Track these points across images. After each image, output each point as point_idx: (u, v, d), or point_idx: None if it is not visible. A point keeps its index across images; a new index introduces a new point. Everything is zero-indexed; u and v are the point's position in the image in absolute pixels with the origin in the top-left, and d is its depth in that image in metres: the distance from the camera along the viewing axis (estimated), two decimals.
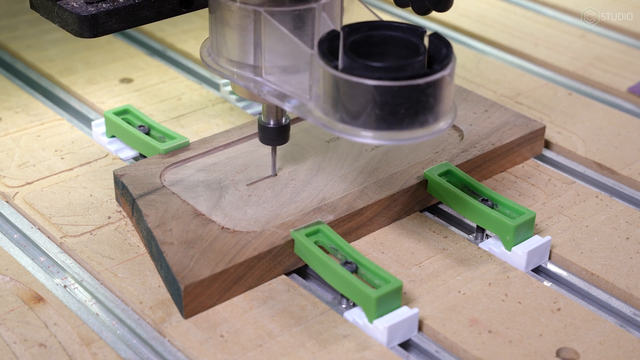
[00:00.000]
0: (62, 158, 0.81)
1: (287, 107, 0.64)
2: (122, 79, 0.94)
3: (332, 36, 0.61)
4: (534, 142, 0.81)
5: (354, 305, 0.66)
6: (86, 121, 0.87)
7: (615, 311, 0.67)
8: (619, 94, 0.93)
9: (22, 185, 0.77)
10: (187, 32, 1.03)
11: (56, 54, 0.98)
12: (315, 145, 0.79)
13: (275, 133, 0.72)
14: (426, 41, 0.61)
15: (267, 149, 0.75)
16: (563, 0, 1.12)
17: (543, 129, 0.82)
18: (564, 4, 1.11)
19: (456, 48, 1.01)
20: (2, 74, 0.95)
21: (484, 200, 0.72)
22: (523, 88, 0.93)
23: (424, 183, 0.74)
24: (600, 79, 0.95)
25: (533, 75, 0.96)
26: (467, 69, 0.96)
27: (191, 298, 0.64)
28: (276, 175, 0.75)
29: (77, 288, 0.68)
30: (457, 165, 0.75)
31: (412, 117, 0.59)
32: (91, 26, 0.66)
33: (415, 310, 0.64)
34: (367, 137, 0.60)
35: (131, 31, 1.04)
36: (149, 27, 1.04)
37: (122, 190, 0.73)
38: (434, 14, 1.06)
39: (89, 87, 0.92)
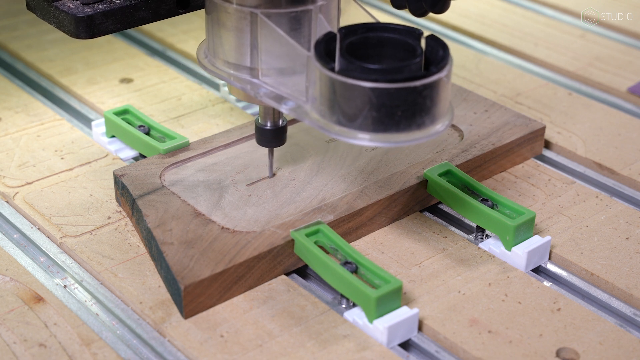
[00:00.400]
0: (62, 158, 0.81)
1: (284, 109, 0.64)
2: (122, 79, 0.94)
3: (328, 38, 0.61)
4: (534, 142, 0.81)
5: (354, 305, 0.66)
6: (86, 121, 0.87)
7: (615, 311, 0.67)
8: (619, 94, 0.93)
9: (22, 185, 0.77)
10: (186, 32, 1.03)
11: (56, 54, 0.98)
12: (315, 145, 0.79)
13: (272, 135, 0.71)
14: (423, 43, 0.61)
15: (267, 149, 0.75)
16: (563, 0, 1.12)
17: (543, 129, 0.82)
18: (564, 4, 1.11)
19: (456, 48, 1.01)
20: (2, 74, 0.95)
21: (484, 200, 0.72)
22: (523, 88, 0.93)
23: (424, 183, 0.74)
24: (600, 79, 0.95)
25: (533, 75, 0.96)
26: (467, 69, 0.96)
27: (191, 298, 0.64)
28: (274, 175, 0.75)
29: (77, 288, 0.68)
30: (457, 165, 0.75)
31: (409, 119, 0.59)
32: (87, 27, 0.66)
33: (415, 310, 0.64)
34: (364, 140, 0.59)
35: (131, 31, 1.04)
36: (149, 27, 1.04)
37: (122, 190, 0.73)
38: (433, 14, 1.06)
39: (89, 87, 0.92)
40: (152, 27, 1.04)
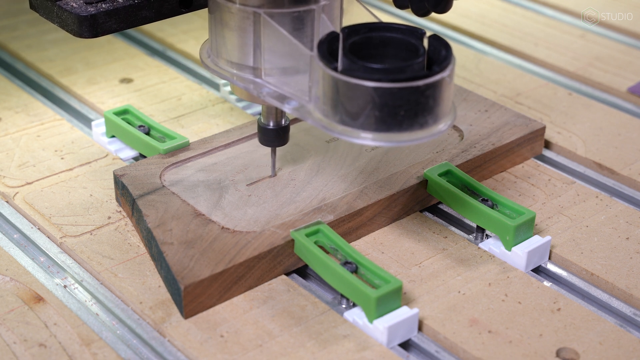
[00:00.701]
0: (62, 158, 0.81)
1: (287, 108, 0.64)
2: (122, 79, 0.94)
3: (331, 38, 0.61)
4: (534, 142, 0.81)
5: (354, 305, 0.66)
6: (86, 121, 0.87)
7: (615, 311, 0.67)
8: (619, 94, 0.93)
9: (22, 185, 0.77)
10: (187, 32, 1.03)
11: (56, 54, 0.98)
12: (315, 145, 0.79)
13: (274, 134, 0.72)
14: (425, 43, 0.61)
15: (267, 149, 0.75)
16: (563, 0, 1.12)
17: (543, 129, 0.82)
18: (564, 4, 1.11)
19: (456, 48, 1.01)
20: (2, 74, 0.95)
21: (484, 200, 0.72)
22: (523, 88, 0.93)
23: (424, 183, 0.74)
24: (600, 79, 0.95)
25: (533, 75, 0.96)
26: (467, 69, 0.96)
27: (191, 298, 0.64)
28: (275, 175, 0.75)
29: (77, 288, 0.68)
30: (457, 165, 0.75)
31: (412, 119, 0.59)
32: (91, 26, 0.66)
33: (415, 310, 0.64)
34: (367, 139, 0.60)
35: (131, 31, 1.04)
36: (149, 27, 1.04)
37: (122, 190, 0.73)
38: (434, 14, 1.06)
39: (89, 87, 0.92)
40: (152, 27, 1.04)
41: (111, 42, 1.00)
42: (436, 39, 0.61)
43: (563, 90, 0.93)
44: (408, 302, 0.66)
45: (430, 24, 1.08)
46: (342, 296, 0.66)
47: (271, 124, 0.71)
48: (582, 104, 0.90)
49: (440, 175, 0.74)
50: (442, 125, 0.61)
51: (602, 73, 0.96)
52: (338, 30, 0.63)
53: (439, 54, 0.60)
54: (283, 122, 0.71)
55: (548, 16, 1.09)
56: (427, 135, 0.60)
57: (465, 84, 0.93)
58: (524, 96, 0.91)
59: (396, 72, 0.58)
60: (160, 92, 0.91)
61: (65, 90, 0.92)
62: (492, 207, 0.71)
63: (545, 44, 1.02)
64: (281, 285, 0.67)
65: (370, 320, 0.63)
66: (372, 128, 0.59)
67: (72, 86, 0.92)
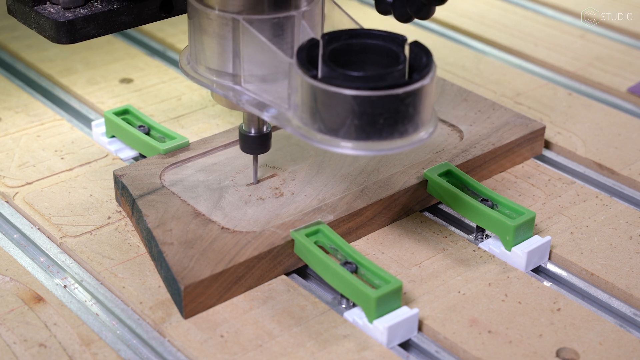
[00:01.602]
0: (62, 158, 0.81)
1: (266, 116, 0.63)
2: (122, 79, 0.94)
3: (311, 44, 0.60)
4: (533, 142, 0.81)
5: (354, 305, 0.66)
6: (86, 121, 0.87)
7: (615, 311, 0.67)
8: (619, 94, 0.93)
9: (22, 185, 0.77)
10: (187, 32, 1.03)
11: (56, 54, 0.98)
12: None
13: (257, 142, 0.71)
14: (407, 50, 0.60)
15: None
16: (563, 0, 1.12)
17: (543, 129, 0.82)
18: (564, 4, 1.11)
19: (456, 48, 1.01)
20: (2, 74, 0.95)
21: (484, 201, 0.72)
22: (523, 88, 0.93)
23: (424, 183, 0.74)
24: (600, 79, 0.95)
25: (533, 75, 0.96)
26: (467, 69, 0.96)
27: (191, 298, 0.64)
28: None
29: (77, 288, 0.68)
30: (457, 165, 0.75)
31: (392, 127, 0.58)
32: (68, 32, 0.65)
33: (415, 311, 0.64)
34: (346, 148, 0.58)
35: (131, 31, 1.04)
36: (149, 27, 1.04)
37: (122, 191, 0.73)
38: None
39: (89, 87, 0.92)
40: (152, 27, 1.04)
41: (111, 42, 1.00)
42: (417, 46, 0.60)
43: (563, 90, 0.93)
44: (408, 302, 0.66)
45: (430, 24, 1.08)
46: (342, 296, 0.66)
47: (252, 131, 0.71)
48: (582, 104, 0.90)
49: (440, 175, 0.74)
50: (422, 134, 0.60)
51: (602, 73, 0.96)
52: (319, 36, 0.62)
53: (420, 61, 0.59)
54: (265, 130, 0.71)
55: (548, 16, 1.09)
56: (407, 144, 0.59)
57: (465, 84, 0.93)
58: (524, 96, 0.91)
59: (376, 80, 0.57)
60: (160, 92, 0.91)
61: (65, 90, 0.92)
62: (492, 207, 0.71)
63: (545, 44, 1.02)
64: (281, 285, 0.67)
65: (370, 321, 0.63)
66: (352, 137, 0.58)
67: (72, 86, 0.92)
